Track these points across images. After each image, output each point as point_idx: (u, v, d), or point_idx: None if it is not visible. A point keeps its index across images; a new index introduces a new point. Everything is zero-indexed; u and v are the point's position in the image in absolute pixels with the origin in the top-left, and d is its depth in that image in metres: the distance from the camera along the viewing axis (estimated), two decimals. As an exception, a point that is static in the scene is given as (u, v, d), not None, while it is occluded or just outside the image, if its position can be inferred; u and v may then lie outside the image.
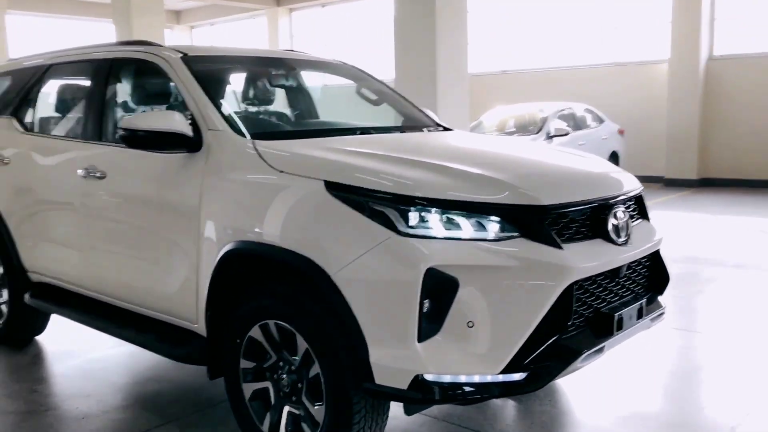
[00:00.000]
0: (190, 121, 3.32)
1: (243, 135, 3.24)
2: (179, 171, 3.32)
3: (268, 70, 4.15)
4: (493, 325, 2.56)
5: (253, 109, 3.85)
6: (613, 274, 2.95)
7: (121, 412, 3.69)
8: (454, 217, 2.62)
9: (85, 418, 3.63)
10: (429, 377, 2.53)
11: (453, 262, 2.54)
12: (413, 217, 2.59)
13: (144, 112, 3.89)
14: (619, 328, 2.89)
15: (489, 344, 2.56)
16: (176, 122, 3.21)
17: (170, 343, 3.45)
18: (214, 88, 3.64)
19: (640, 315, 3.05)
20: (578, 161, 3.46)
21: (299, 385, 2.91)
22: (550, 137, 11.28)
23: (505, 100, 14.57)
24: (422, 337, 2.54)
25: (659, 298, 3.34)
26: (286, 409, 2.99)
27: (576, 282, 2.70)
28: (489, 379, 2.56)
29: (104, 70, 4.01)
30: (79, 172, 3.86)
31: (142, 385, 4.12)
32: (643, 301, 3.08)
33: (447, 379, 2.55)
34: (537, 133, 11.32)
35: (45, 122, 4.47)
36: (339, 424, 2.76)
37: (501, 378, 2.57)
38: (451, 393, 2.56)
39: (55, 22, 20.89)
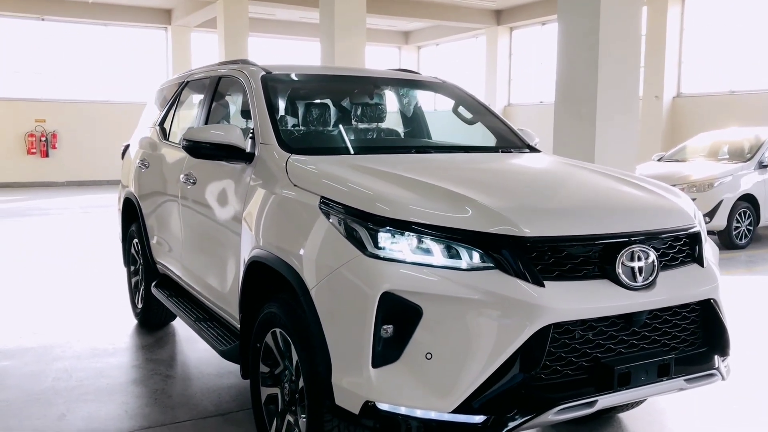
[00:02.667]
0: (251, 135, 3.55)
1: (288, 150, 3.38)
2: (238, 180, 3.56)
3: (351, 88, 4.27)
4: (450, 360, 2.40)
5: (323, 126, 3.98)
6: (627, 321, 2.60)
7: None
8: (427, 241, 2.50)
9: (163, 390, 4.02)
10: (383, 406, 2.44)
11: (416, 289, 2.43)
12: (382, 238, 2.52)
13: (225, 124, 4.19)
14: (624, 383, 2.53)
15: (444, 379, 2.40)
16: (231, 135, 3.45)
17: (219, 340, 3.70)
18: (285, 104, 3.84)
19: (664, 372, 2.63)
20: (615, 190, 3.08)
21: (296, 396, 2.96)
22: (762, 166, 9.99)
23: (735, 123, 13.39)
24: (377, 362, 2.45)
25: (718, 357, 2.85)
26: (287, 417, 3.06)
27: (561, 324, 2.43)
28: (444, 417, 2.40)
29: (213, 86, 4.41)
30: (181, 177, 4.30)
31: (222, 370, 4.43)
32: (671, 357, 2.65)
33: (401, 410, 2.43)
34: (747, 161, 10.08)
35: (173, 131, 5.02)
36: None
37: (454, 418, 2.39)
38: (405, 427, 2.44)
39: (268, 41, 22.92)
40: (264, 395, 3.21)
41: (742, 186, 9.74)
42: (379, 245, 2.52)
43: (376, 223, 2.54)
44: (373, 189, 2.76)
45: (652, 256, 2.64)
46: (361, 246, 2.54)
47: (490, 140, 4.28)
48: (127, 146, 5.91)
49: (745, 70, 15.65)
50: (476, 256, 2.47)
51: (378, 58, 26.09)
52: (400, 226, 2.51)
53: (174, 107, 5.16)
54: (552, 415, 2.43)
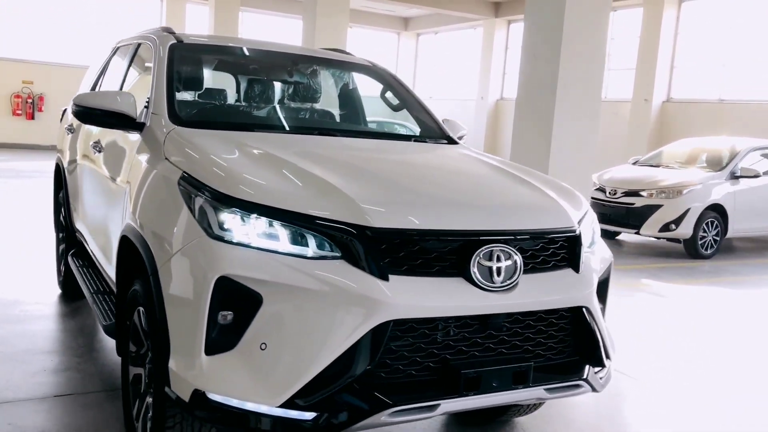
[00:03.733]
0: (146, 104, 3.41)
1: (178, 122, 3.24)
2: (129, 150, 3.42)
3: (268, 64, 4.12)
4: (284, 352, 2.28)
5: (227, 100, 3.83)
6: (482, 324, 2.47)
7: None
8: (274, 227, 2.37)
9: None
10: (213, 396, 2.32)
11: (257, 276, 2.30)
12: (228, 219, 2.39)
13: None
14: (472, 388, 2.40)
15: (275, 372, 2.28)
16: (120, 103, 3.30)
17: (105, 315, 3.57)
18: (191, 75, 3.69)
19: (521, 380, 2.51)
20: (492, 187, 2.98)
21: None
22: (734, 177, 9.84)
23: (721, 131, 13.35)
24: (211, 350, 2.33)
25: (589, 368, 2.72)
26: (147, 398, 2.94)
27: (404, 321, 2.31)
28: (273, 412, 2.28)
29: (132, 52, 4.27)
30: (91, 144, 4.17)
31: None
32: (529, 364, 2.52)
33: (233, 402, 2.31)
34: (719, 171, 9.92)
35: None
36: (158, 424, 2.64)
37: (284, 413, 2.27)
38: (236, 419, 2.32)
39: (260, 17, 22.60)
40: (131, 374, 3.09)
41: (712, 196, 9.59)
42: (224, 227, 2.39)
43: (222, 203, 2.41)
44: (230, 168, 2.64)
45: (515, 256, 2.50)
46: (207, 226, 2.41)
47: (414, 128, 4.16)
48: (65, 110, 5.76)
49: (735, 80, 15.48)
50: (322, 244, 2.34)
51: (376, 44, 25.87)
52: (246, 208, 2.38)
53: (103, 73, 5.01)
54: (386, 417, 2.30)
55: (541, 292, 2.56)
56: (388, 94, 4.34)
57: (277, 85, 4.03)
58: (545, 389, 2.59)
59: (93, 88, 5.05)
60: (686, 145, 11.35)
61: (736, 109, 15.03)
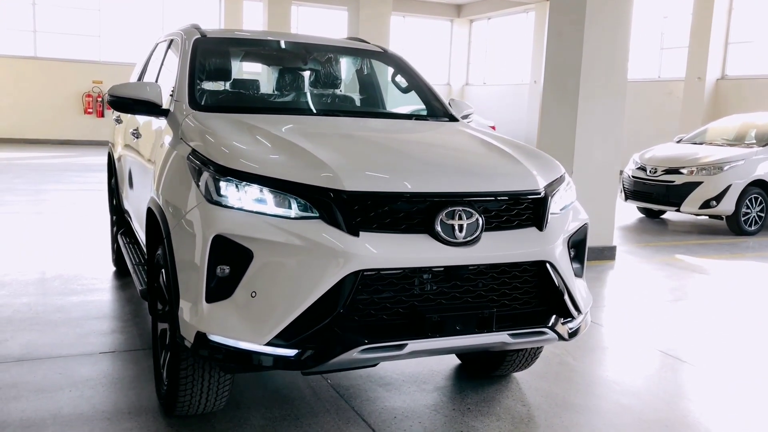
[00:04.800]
0: (171, 93, 3.85)
1: (196, 107, 3.65)
2: (156, 132, 3.87)
3: (284, 53, 4.50)
4: (269, 298, 2.66)
5: (244, 88, 4.23)
6: (448, 275, 2.79)
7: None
8: (263, 192, 2.74)
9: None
10: (213, 338, 2.72)
11: (248, 234, 2.69)
12: (224, 187, 2.78)
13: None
14: (437, 331, 2.73)
15: (262, 316, 2.66)
16: (148, 92, 3.74)
17: (141, 281, 4.04)
18: (213, 66, 4.11)
19: (485, 326, 2.81)
20: (463, 154, 3.30)
21: (174, 332, 3.27)
22: (776, 151, 9.70)
23: None
24: (211, 298, 2.73)
25: (556, 317, 3.00)
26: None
27: (374, 271, 2.65)
28: (261, 349, 2.66)
29: (166, 47, 4.73)
30: (131, 131, 4.66)
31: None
32: (492, 311, 2.82)
33: (228, 342, 2.70)
34: (764, 145, 9.79)
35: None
36: (173, 373, 3.07)
37: (271, 350, 2.66)
38: (232, 356, 2.71)
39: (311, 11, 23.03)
40: (159, 330, 3.53)
41: (756, 171, 9.49)
42: (221, 194, 2.78)
43: (220, 173, 2.81)
44: (230, 143, 3.02)
45: (476, 215, 2.81)
46: (207, 193, 2.81)
47: (422, 109, 4.47)
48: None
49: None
50: (303, 206, 2.71)
51: (430, 32, 26.06)
52: (240, 177, 2.77)
53: (146, 67, 5.50)
54: (358, 354, 2.65)
55: (502, 247, 2.86)
56: (398, 78, 4.66)
57: (290, 72, 4.42)
58: (509, 334, 2.88)
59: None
60: (733, 121, 11.20)
61: (794, 84, 14.63)
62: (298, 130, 3.39)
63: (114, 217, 6.07)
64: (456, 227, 2.76)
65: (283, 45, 4.56)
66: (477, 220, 2.81)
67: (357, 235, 2.66)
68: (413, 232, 2.75)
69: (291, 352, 2.66)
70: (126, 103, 3.77)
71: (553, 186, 3.15)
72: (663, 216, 10.85)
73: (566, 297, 3.04)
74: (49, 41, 20.37)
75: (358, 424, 3.32)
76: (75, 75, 20.23)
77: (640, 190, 10.08)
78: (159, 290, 3.42)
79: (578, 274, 3.26)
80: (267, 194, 2.74)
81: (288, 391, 3.66)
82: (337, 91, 4.53)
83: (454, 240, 2.76)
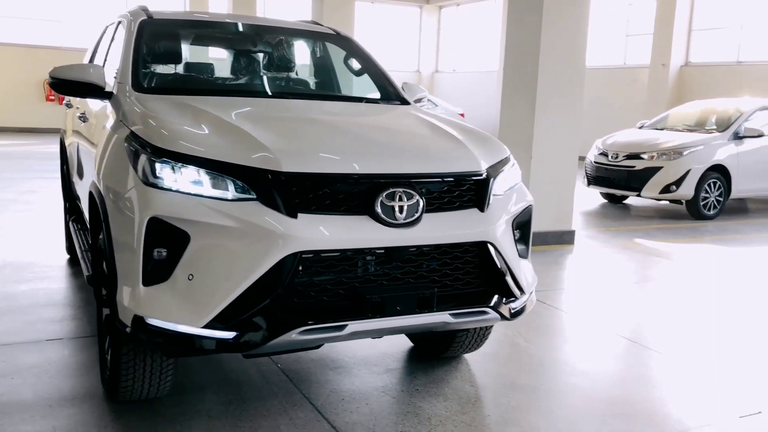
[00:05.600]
0: (115, 75, 3.77)
1: (140, 89, 3.59)
2: (100, 115, 3.80)
3: (232, 35, 4.45)
4: (206, 281, 2.63)
5: (190, 70, 4.18)
6: (388, 255, 2.78)
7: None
8: (200, 174, 2.71)
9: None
10: (151, 321, 2.68)
11: (184, 216, 2.65)
12: (159, 168, 2.74)
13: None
14: (378, 312, 2.73)
15: (200, 298, 2.63)
16: (89, 74, 3.66)
17: (87, 267, 3.97)
18: (158, 48, 4.04)
19: (425, 306, 2.82)
20: (406, 136, 3.29)
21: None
22: (738, 137, 9.86)
23: (741, 94, 13.38)
24: (147, 281, 2.69)
25: (498, 297, 3.02)
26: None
27: (313, 252, 2.64)
28: (200, 332, 2.64)
29: (114, 30, 4.64)
30: (78, 115, 4.57)
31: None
32: (433, 291, 2.83)
33: (167, 326, 2.67)
34: (723, 131, 9.95)
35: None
36: (114, 358, 3.03)
37: (210, 333, 2.63)
38: (171, 340, 2.68)
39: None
40: (103, 315, 3.48)
41: (715, 156, 9.64)
42: (157, 175, 2.74)
43: (156, 154, 2.76)
44: (167, 125, 2.97)
45: (417, 197, 2.80)
46: (144, 176, 2.77)
47: (375, 92, 4.44)
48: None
49: (754, 40, 15.27)
50: (241, 188, 2.68)
51: (399, 19, 25.97)
52: (176, 158, 2.73)
53: (95, 49, 5.40)
54: (297, 335, 2.64)
55: (443, 228, 2.86)
56: (351, 61, 4.63)
57: (239, 54, 4.37)
58: (450, 314, 2.90)
59: (90, 66, 5.45)
60: (694, 107, 11.36)
61: (755, 71, 14.87)
62: (241, 112, 3.35)
63: (67, 204, 5.97)
64: (396, 208, 2.76)
65: (232, 27, 4.50)
66: (417, 201, 2.80)
67: (295, 216, 2.64)
68: (353, 214, 2.74)
69: (229, 335, 2.64)
70: (68, 86, 3.69)
71: (496, 168, 3.16)
72: (625, 201, 10.98)
73: (508, 277, 3.06)
74: (8, 26, 19.92)
75: (304, 406, 3.31)
76: (35, 61, 19.78)
77: (602, 176, 10.18)
78: (103, 275, 3.37)
79: (523, 255, 3.28)
80: (203, 176, 2.71)
81: (237, 375, 3.64)
82: (288, 74, 4.48)
83: (395, 221, 2.75)
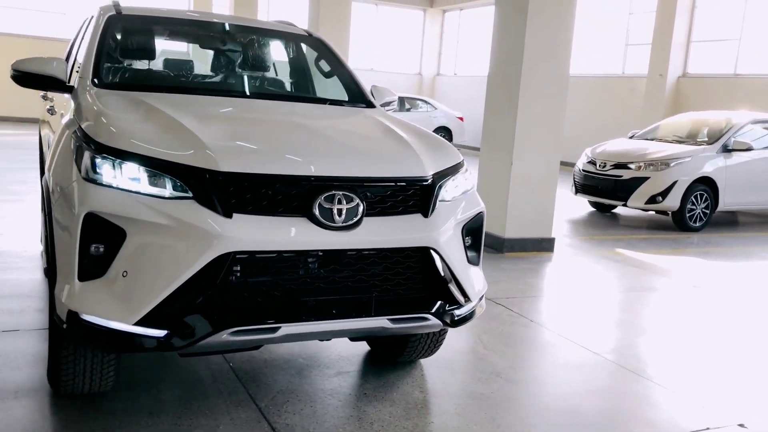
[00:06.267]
0: (77, 69, 3.78)
1: (100, 84, 3.60)
2: (61, 109, 3.81)
3: (201, 33, 4.45)
4: (139, 278, 2.64)
5: (155, 66, 4.18)
6: (327, 259, 2.78)
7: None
8: (138, 171, 2.71)
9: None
10: (86, 317, 2.68)
11: (120, 213, 2.65)
12: (99, 164, 2.75)
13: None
14: (312, 315, 2.73)
15: (133, 295, 2.64)
16: (51, 67, 3.66)
17: (45, 260, 3.98)
18: (125, 43, 4.05)
19: (363, 310, 2.82)
20: (351, 139, 3.30)
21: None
22: (727, 150, 9.82)
23: (737, 106, 13.34)
24: (83, 276, 2.69)
25: (441, 303, 3.01)
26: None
27: (247, 253, 2.64)
28: (130, 329, 2.64)
29: (87, 25, 4.66)
30: (47, 107, 4.59)
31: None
32: (371, 296, 2.83)
33: (100, 322, 2.67)
34: (711, 144, 9.92)
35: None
36: (55, 352, 3.03)
37: (141, 330, 2.64)
38: (104, 336, 2.68)
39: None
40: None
41: (703, 168, 9.61)
42: (97, 171, 2.74)
43: (96, 150, 2.77)
44: (111, 121, 2.98)
45: (357, 200, 2.80)
46: (84, 171, 2.77)
47: (342, 94, 4.44)
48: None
49: (751, 54, 15.23)
50: (177, 186, 2.68)
51: (402, 21, 25.98)
52: (115, 155, 2.73)
53: (73, 43, 5.42)
54: (228, 336, 2.64)
55: (384, 232, 2.86)
56: (321, 62, 4.63)
57: (203, 52, 4.38)
58: (389, 319, 2.89)
59: (67, 59, 5.47)
60: (686, 118, 11.33)
61: (752, 84, 14.81)
62: (194, 110, 3.35)
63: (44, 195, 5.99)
64: (335, 211, 2.75)
65: (203, 25, 4.50)
66: (357, 204, 2.80)
67: (230, 216, 2.64)
68: (291, 215, 2.74)
69: (160, 333, 2.64)
70: (30, 79, 3.70)
71: (444, 174, 3.15)
72: (614, 211, 10.96)
73: (452, 284, 3.05)
74: (11, 17, 19.97)
75: (248, 406, 3.31)
76: (40, 52, 19.74)
77: (590, 184, 10.16)
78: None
79: (473, 261, 3.28)
80: (142, 173, 2.71)
81: (187, 373, 3.64)
82: (255, 74, 4.48)
83: (333, 224, 2.75)
